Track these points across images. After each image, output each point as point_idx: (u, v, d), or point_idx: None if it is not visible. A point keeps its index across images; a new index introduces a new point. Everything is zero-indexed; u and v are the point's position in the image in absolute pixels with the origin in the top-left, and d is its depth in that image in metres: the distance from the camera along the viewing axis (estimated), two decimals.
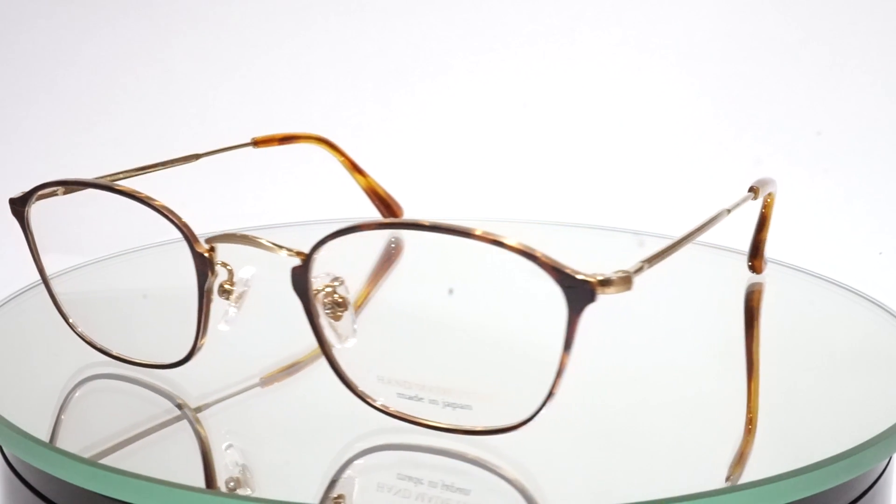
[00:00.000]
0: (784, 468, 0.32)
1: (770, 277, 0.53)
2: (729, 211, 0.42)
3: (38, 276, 0.44)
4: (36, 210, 0.43)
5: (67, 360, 0.42)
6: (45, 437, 0.35)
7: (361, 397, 0.35)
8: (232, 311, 0.38)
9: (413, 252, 0.56)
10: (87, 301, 0.45)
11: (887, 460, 0.37)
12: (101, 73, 0.91)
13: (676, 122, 0.86)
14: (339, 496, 0.32)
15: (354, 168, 0.60)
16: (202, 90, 0.90)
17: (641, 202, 0.84)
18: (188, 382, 0.40)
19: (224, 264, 0.37)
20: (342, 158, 0.60)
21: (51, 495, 0.35)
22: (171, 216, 0.38)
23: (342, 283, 0.36)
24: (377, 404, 0.35)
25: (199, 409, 0.38)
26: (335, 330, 0.36)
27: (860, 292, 0.49)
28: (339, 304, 0.36)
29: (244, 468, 0.34)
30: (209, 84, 0.90)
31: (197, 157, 0.52)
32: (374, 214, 0.60)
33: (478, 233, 0.32)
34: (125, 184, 0.41)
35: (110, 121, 0.90)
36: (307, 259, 0.35)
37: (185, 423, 0.38)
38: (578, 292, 0.31)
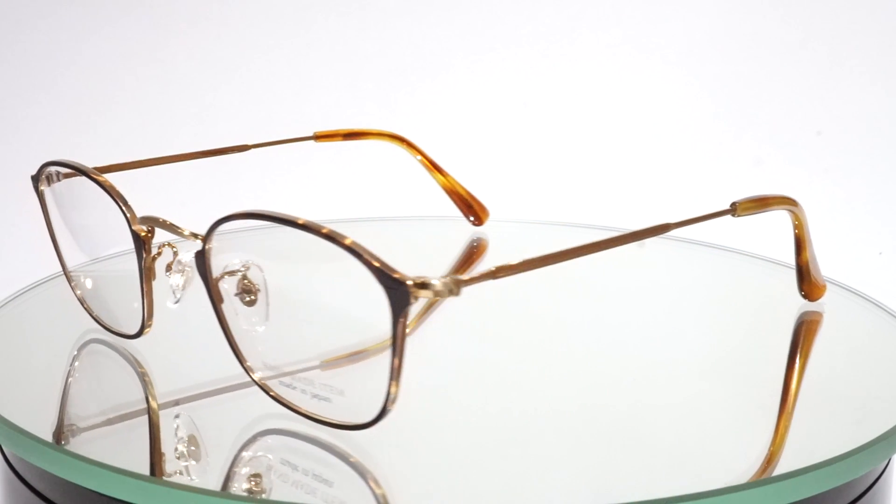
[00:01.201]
0: (783, 469, 0.32)
1: (771, 278, 0.53)
2: (672, 225, 0.40)
3: (38, 277, 0.45)
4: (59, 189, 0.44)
5: (68, 360, 0.42)
6: (47, 435, 0.35)
7: (246, 371, 0.37)
8: (178, 291, 0.39)
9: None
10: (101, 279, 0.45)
11: (886, 462, 0.37)
12: (101, 72, 0.91)
13: (676, 123, 0.86)
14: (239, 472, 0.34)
15: (433, 167, 0.58)
16: (202, 90, 0.90)
17: (641, 202, 0.84)
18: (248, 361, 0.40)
19: (170, 245, 0.38)
20: (420, 157, 0.58)
21: (51, 495, 0.35)
22: (114, 195, 0.39)
23: (254, 269, 0.36)
24: (256, 377, 0.36)
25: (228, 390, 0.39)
26: (244, 315, 0.36)
27: (860, 292, 0.49)
28: (247, 291, 0.36)
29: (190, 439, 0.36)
30: (209, 84, 0.90)
31: (246, 147, 0.52)
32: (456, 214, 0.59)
33: (323, 230, 0.33)
34: (165, 168, 0.46)
35: (110, 121, 0.90)
36: (204, 243, 0.36)
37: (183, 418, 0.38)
38: (397, 294, 0.31)
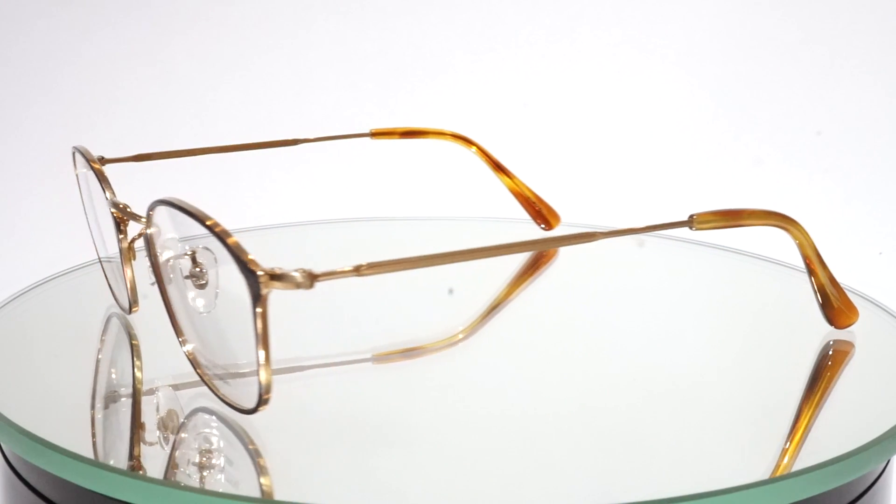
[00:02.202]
0: (783, 469, 0.32)
1: (772, 278, 0.53)
2: (599, 235, 0.39)
3: (38, 277, 0.45)
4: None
5: (67, 360, 0.43)
6: (47, 435, 0.35)
7: (176, 333, 0.38)
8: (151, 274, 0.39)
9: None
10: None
11: (885, 463, 0.37)
12: (102, 72, 0.91)
13: (676, 123, 0.86)
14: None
15: (499, 169, 0.56)
16: (202, 90, 0.90)
17: (641, 202, 0.84)
18: (303, 348, 0.43)
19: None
20: (485, 158, 0.56)
21: (51, 495, 0.35)
22: (100, 179, 0.41)
23: (201, 253, 0.37)
24: (187, 349, 0.38)
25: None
26: (191, 296, 0.37)
27: (860, 292, 0.49)
28: (195, 276, 0.37)
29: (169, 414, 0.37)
30: (209, 84, 0.90)
31: (298, 141, 0.52)
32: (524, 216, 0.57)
33: (207, 223, 0.34)
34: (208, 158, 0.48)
35: (110, 121, 0.90)
36: (146, 225, 0.37)
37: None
38: (252, 283, 0.32)
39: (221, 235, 0.33)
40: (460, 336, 0.45)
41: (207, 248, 0.37)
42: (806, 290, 0.51)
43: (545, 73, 0.88)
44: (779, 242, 0.52)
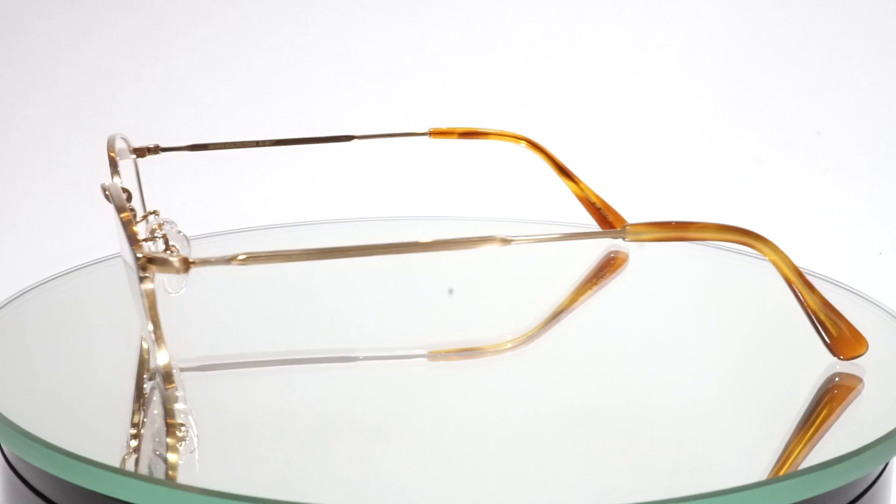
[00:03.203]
0: (783, 470, 0.32)
1: (769, 278, 0.52)
2: (506, 240, 0.38)
3: (38, 277, 0.45)
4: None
5: (67, 360, 0.43)
6: (47, 435, 0.35)
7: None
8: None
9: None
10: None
11: (884, 464, 0.37)
12: (102, 72, 0.91)
13: (676, 123, 0.86)
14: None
15: (564, 173, 0.54)
16: (202, 90, 0.90)
17: (642, 202, 0.84)
18: (359, 339, 0.44)
19: (155, 213, 0.43)
20: (550, 162, 0.54)
21: (51, 495, 0.35)
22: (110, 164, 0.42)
23: (173, 230, 0.41)
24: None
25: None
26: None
27: (860, 292, 0.49)
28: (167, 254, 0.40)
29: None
30: (209, 84, 0.90)
31: (351, 138, 0.52)
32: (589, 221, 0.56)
33: (122, 214, 0.36)
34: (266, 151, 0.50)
35: (110, 121, 0.89)
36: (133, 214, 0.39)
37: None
38: (137, 266, 0.34)
39: (124, 223, 0.35)
40: (509, 345, 0.45)
41: (180, 232, 0.41)
42: None
43: (545, 73, 0.88)
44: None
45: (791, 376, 0.42)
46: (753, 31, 0.86)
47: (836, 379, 0.41)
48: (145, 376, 0.41)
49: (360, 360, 0.43)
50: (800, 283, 0.40)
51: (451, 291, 0.52)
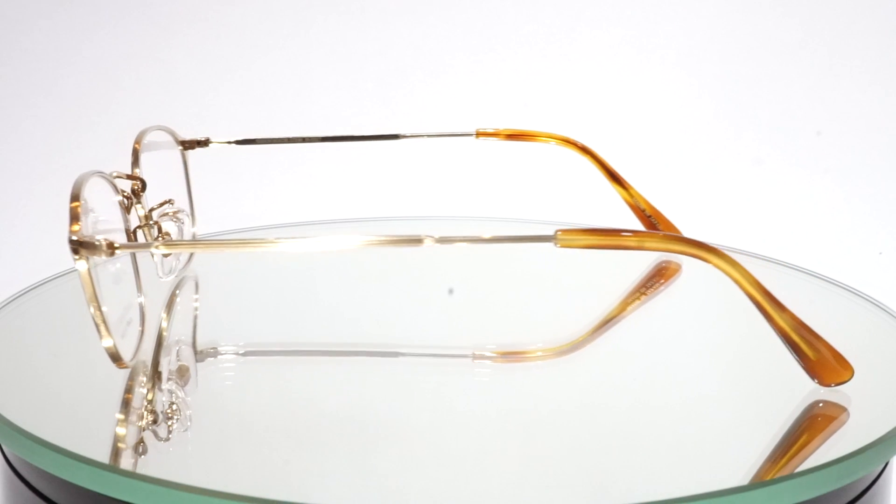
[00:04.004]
0: (783, 470, 0.32)
1: (768, 278, 0.52)
2: (431, 239, 0.37)
3: (38, 278, 0.45)
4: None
5: (67, 360, 0.43)
6: (47, 435, 0.35)
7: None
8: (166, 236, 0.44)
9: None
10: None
11: (884, 464, 0.37)
12: (102, 72, 0.91)
13: (676, 123, 0.86)
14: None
15: (613, 178, 0.53)
16: (202, 90, 0.90)
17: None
18: (403, 336, 0.45)
19: (170, 202, 0.45)
20: (599, 166, 0.53)
21: (51, 495, 0.35)
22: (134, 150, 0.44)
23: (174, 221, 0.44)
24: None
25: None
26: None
27: (860, 292, 0.49)
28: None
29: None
30: (209, 84, 0.90)
31: (397, 136, 0.53)
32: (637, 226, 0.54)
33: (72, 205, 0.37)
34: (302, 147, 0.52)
35: (110, 121, 0.89)
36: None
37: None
38: (70, 249, 0.37)
39: (72, 212, 0.37)
40: (553, 351, 0.45)
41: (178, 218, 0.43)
42: (806, 291, 0.51)
43: (545, 73, 0.88)
44: (778, 242, 0.52)
45: (794, 378, 0.42)
46: (753, 31, 0.86)
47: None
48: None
49: (404, 356, 0.43)
50: (766, 300, 0.37)
51: (451, 291, 0.52)
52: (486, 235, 0.37)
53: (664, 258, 0.53)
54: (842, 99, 0.85)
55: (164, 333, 0.44)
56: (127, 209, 0.41)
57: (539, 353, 0.44)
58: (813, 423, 0.37)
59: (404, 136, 0.53)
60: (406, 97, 0.89)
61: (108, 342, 0.37)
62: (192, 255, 0.50)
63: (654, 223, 0.52)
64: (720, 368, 0.44)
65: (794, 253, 0.53)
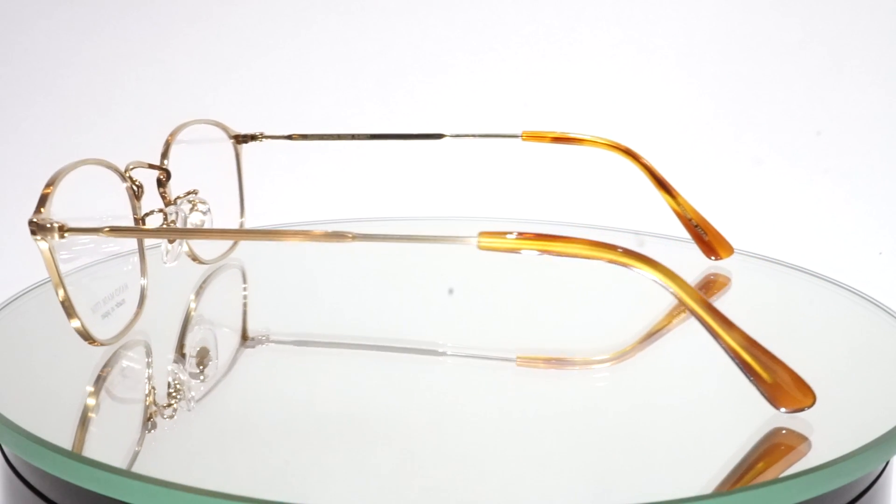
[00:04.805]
0: (783, 470, 0.32)
1: (768, 278, 0.52)
2: (350, 236, 0.39)
3: (39, 278, 0.45)
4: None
5: (67, 360, 0.43)
6: (47, 435, 0.35)
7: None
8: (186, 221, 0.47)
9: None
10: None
11: (884, 464, 0.37)
12: (102, 72, 0.91)
13: (677, 122, 0.86)
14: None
15: (660, 184, 0.51)
16: (202, 90, 0.90)
17: (642, 202, 0.84)
18: (445, 337, 0.45)
19: (195, 191, 0.47)
20: (647, 172, 0.51)
21: (51, 495, 0.35)
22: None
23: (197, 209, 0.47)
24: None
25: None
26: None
27: (860, 292, 0.49)
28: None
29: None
30: (209, 84, 0.90)
31: (441, 136, 0.53)
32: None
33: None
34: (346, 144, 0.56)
35: (110, 121, 0.90)
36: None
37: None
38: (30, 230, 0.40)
39: (41, 197, 0.40)
40: (597, 359, 0.44)
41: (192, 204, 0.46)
42: (806, 291, 0.51)
43: (545, 73, 0.88)
44: (779, 242, 0.52)
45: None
46: (753, 31, 0.86)
47: (835, 377, 0.42)
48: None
49: (447, 355, 0.43)
50: (709, 315, 0.34)
51: (451, 291, 0.52)
52: (402, 235, 0.38)
53: (713, 272, 0.51)
54: (842, 99, 0.85)
55: (192, 314, 0.47)
56: (137, 197, 0.43)
57: (583, 361, 0.44)
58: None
59: (448, 136, 0.53)
60: (406, 97, 0.89)
61: (75, 323, 0.40)
62: (235, 243, 0.53)
63: (700, 234, 0.51)
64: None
65: (794, 253, 0.53)
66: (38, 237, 0.40)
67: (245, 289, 0.53)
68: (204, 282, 0.51)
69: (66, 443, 0.35)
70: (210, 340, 0.46)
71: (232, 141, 0.53)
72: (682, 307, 0.47)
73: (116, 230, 0.40)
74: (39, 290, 0.48)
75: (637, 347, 0.45)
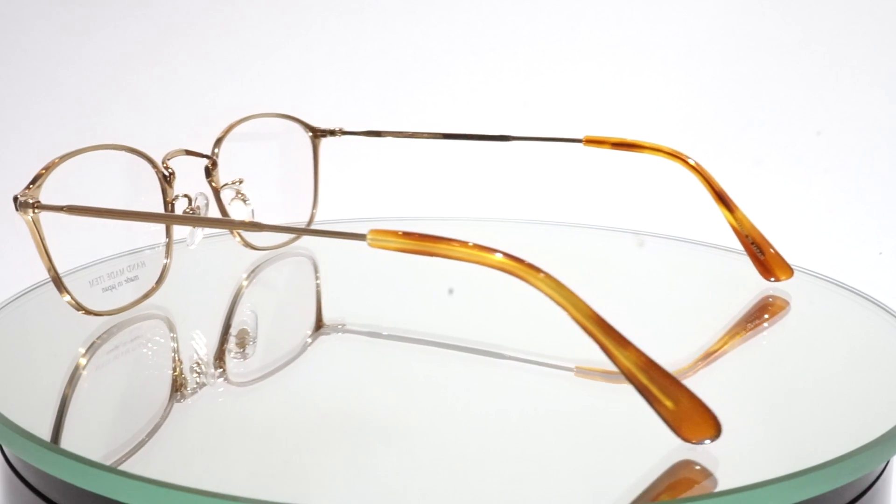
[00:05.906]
0: (783, 470, 0.32)
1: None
2: (303, 232, 0.47)
3: (39, 278, 0.45)
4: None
5: (67, 360, 0.43)
6: (47, 435, 0.35)
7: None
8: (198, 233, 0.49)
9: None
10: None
11: (885, 463, 0.37)
12: (102, 72, 0.91)
13: (677, 122, 0.86)
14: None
15: (719, 197, 0.50)
16: (202, 90, 0.90)
17: (642, 202, 0.84)
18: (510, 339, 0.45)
19: (240, 181, 0.51)
20: (706, 184, 0.50)
21: (51, 495, 0.35)
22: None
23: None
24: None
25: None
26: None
27: (860, 292, 0.49)
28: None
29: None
30: (209, 84, 0.90)
31: (507, 138, 0.54)
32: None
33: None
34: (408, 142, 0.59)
35: (111, 121, 0.90)
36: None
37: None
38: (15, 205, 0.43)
39: (35, 176, 0.43)
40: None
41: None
42: (806, 291, 0.51)
43: (545, 72, 0.88)
44: (779, 242, 0.52)
45: (791, 375, 0.42)
46: (753, 31, 0.86)
47: (835, 377, 0.42)
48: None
49: (507, 358, 0.43)
50: (601, 332, 0.33)
51: (451, 291, 0.52)
52: (300, 227, 0.43)
53: (770, 294, 0.50)
54: (842, 99, 0.85)
55: (239, 299, 0.50)
56: (169, 183, 0.46)
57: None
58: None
59: (514, 138, 0.54)
60: (406, 97, 0.89)
61: (66, 298, 0.43)
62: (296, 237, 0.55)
63: (757, 253, 0.50)
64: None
65: (794, 253, 0.53)
66: (21, 211, 0.43)
67: (318, 277, 0.54)
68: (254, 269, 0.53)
69: (66, 443, 0.35)
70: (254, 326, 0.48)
71: (310, 135, 0.55)
72: (735, 330, 0.47)
73: (74, 209, 0.42)
74: (39, 290, 0.48)
75: (693, 368, 0.43)
